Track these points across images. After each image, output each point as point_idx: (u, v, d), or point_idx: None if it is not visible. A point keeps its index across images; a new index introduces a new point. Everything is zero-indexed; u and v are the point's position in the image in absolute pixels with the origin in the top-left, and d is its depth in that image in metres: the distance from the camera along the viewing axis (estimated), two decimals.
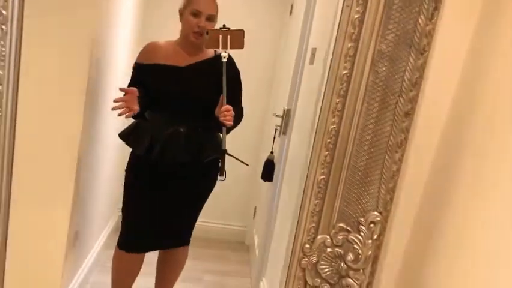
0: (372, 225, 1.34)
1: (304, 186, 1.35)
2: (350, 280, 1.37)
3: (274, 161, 2.55)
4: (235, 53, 1.99)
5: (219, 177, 1.98)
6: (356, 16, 1.23)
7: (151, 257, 2.23)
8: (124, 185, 2.11)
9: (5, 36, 1.24)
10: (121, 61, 2.78)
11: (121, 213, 2.16)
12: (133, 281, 2.18)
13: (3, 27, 1.23)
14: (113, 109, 1.82)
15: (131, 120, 2.08)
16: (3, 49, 1.25)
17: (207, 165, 2.05)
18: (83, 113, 1.47)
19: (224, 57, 1.88)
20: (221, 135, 1.94)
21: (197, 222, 2.25)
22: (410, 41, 1.24)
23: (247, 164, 1.99)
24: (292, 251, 1.38)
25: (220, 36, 1.88)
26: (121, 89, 1.88)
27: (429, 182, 1.33)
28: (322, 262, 1.37)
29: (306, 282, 1.39)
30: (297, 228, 1.36)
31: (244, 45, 1.91)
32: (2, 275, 1.43)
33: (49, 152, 1.44)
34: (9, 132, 1.33)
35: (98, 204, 2.75)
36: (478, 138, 1.16)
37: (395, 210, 1.35)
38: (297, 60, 2.47)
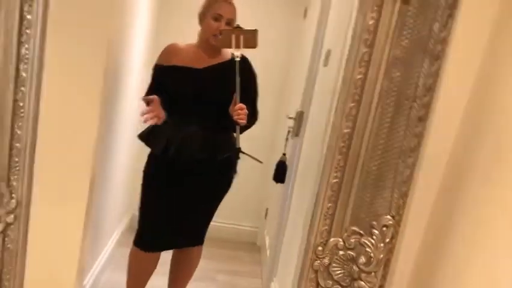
0: (384, 228, 1.35)
1: (318, 189, 1.37)
2: (362, 283, 1.38)
3: (287, 162, 2.56)
4: (249, 55, 2.02)
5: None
6: (370, 22, 1.24)
7: (165, 257, 2.26)
8: (142, 185, 2.15)
9: (29, 40, 1.28)
10: (137, 62, 2.82)
11: (135, 212, 2.20)
12: (148, 279, 2.22)
13: (28, 31, 1.27)
14: (145, 122, 1.89)
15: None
16: (27, 52, 1.29)
17: (223, 165, 2.09)
18: (99, 114, 1.50)
19: (237, 57, 1.91)
20: (235, 134, 1.97)
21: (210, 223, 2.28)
22: (425, 47, 1.24)
23: (261, 162, 2.02)
24: (305, 253, 1.40)
25: (234, 35, 1.91)
26: (144, 99, 1.93)
27: (442, 187, 1.34)
28: (334, 264, 1.39)
29: (318, 284, 1.41)
30: (309, 231, 1.38)
31: (258, 47, 1.94)
32: (23, 269, 1.47)
33: (67, 151, 1.48)
34: (31, 132, 1.37)
35: (112, 202, 2.79)
36: (492, 144, 1.16)
37: (407, 214, 1.36)
38: (311, 62, 2.49)
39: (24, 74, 1.31)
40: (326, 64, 2.18)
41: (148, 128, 2.13)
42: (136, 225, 2.19)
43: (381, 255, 1.36)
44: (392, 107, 1.29)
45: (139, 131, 2.17)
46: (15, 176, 1.40)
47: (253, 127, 2.13)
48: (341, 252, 1.38)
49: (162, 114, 1.95)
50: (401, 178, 1.32)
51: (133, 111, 2.88)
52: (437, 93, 1.28)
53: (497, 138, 1.15)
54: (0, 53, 1.30)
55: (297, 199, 2.38)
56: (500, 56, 1.21)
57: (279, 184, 2.71)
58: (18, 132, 1.36)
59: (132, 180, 3.24)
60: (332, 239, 1.38)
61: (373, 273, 1.37)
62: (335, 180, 1.34)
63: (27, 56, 1.30)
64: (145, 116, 1.89)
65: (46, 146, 1.43)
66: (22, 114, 1.35)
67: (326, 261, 1.39)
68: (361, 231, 1.36)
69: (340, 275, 1.39)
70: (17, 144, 1.37)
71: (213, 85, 2.05)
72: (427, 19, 1.23)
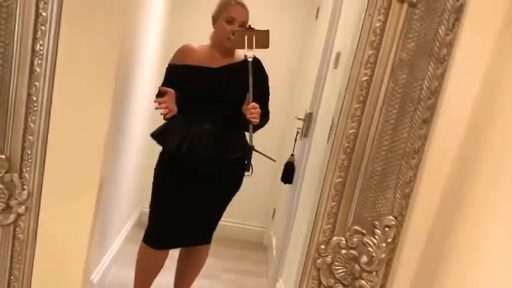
0: (387, 228, 1.36)
1: (322, 188, 1.39)
2: (363, 282, 1.40)
3: (295, 163, 2.58)
4: (260, 55, 2.05)
5: (246, 173, 2.03)
6: (377, 25, 1.26)
7: (171, 252, 2.29)
8: (153, 184, 2.18)
9: (44, 36, 1.32)
10: (149, 61, 2.86)
11: (143, 209, 2.22)
12: (156, 276, 2.25)
13: (43, 27, 1.32)
14: (156, 108, 1.92)
15: (156, 119, 2.15)
16: (42, 48, 1.33)
17: (234, 165, 2.11)
18: (110, 110, 1.53)
19: (250, 57, 1.93)
20: (247, 134, 1.99)
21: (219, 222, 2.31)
22: (430, 50, 1.26)
23: (274, 160, 2.04)
24: (307, 251, 1.42)
25: (246, 36, 1.93)
26: (160, 89, 1.96)
27: (445, 189, 1.35)
28: (336, 263, 1.41)
29: (320, 282, 1.43)
30: (313, 229, 1.40)
31: (269, 47, 1.96)
32: (32, 259, 1.51)
33: (78, 146, 1.51)
34: (44, 126, 1.41)
35: (122, 198, 2.83)
36: (496, 147, 1.17)
37: (410, 215, 1.37)
38: (321, 64, 2.50)
39: (38, 70, 1.35)
40: (336, 66, 2.20)
41: (160, 126, 2.16)
42: (144, 222, 2.20)
43: (383, 255, 1.37)
44: (397, 108, 1.31)
45: (150, 129, 2.20)
46: (28, 168, 1.44)
47: (263, 127, 2.15)
48: (343, 251, 1.40)
49: (173, 109, 1.97)
50: (404, 179, 1.34)
51: (144, 109, 2.92)
52: (442, 96, 1.29)
53: (501, 141, 1.16)
54: (16, 48, 1.34)
55: (304, 200, 2.39)
56: (506, 59, 1.22)
57: (287, 185, 2.72)
58: (32, 125, 1.40)
59: (142, 177, 3.28)
60: (334, 238, 1.40)
61: (374, 273, 1.39)
62: (338, 180, 1.36)
63: (41, 52, 1.34)
64: (156, 105, 1.93)
65: (58, 140, 1.47)
66: (36, 108, 1.39)
67: (328, 259, 1.41)
68: (363, 231, 1.38)
69: (342, 274, 1.41)
70: (30, 137, 1.41)
71: (227, 84, 2.08)
72: (433, 22, 1.25)
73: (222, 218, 2.29)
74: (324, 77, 2.41)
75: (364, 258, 1.38)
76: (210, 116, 2.06)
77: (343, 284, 1.41)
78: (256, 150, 1.96)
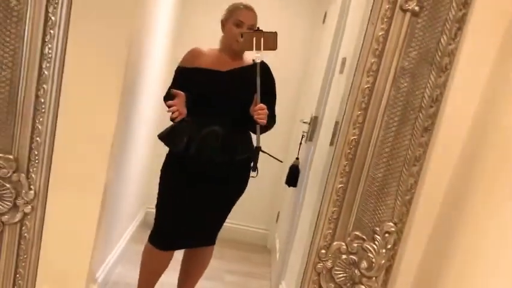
0: (387, 235, 1.37)
1: (323, 193, 1.40)
2: (363, 287, 1.41)
3: (299, 167, 2.59)
4: (266, 59, 2.07)
5: (251, 174, 2.05)
6: (380, 33, 1.27)
7: (175, 252, 2.31)
8: (159, 184, 2.20)
9: (53, 39, 1.35)
10: (157, 63, 2.89)
11: (149, 209, 2.24)
12: (160, 276, 2.26)
13: (52, 31, 1.35)
14: (168, 111, 1.95)
15: (163, 120, 2.17)
16: (50, 51, 1.36)
17: (241, 166, 2.13)
18: (117, 112, 1.56)
19: (258, 59, 1.96)
20: (254, 136, 2.01)
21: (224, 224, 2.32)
22: (432, 59, 1.27)
23: (280, 161, 2.07)
24: (308, 255, 1.43)
25: (254, 38, 1.96)
26: (173, 92, 1.99)
27: (445, 196, 1.36)
28: (336, 268, 1.42)
29: (320, 286, 1.44)
30: (314, 233, 1.42)
31: (276, 51, 1.98)
32: (37, 258, 1.54)
33: (84, 147, 1.54)
34: (51, 127, 1.44)
35: (127, 198, 2.85)
36: (498, 156, 1.18)
37: (410, 222, 1.38)
38: (327, 68, 2.51)
39: (46, 72, 1.38)
40: (342, 71, 2.21)
41: (167, 128, 2.19)
42: (149, 222, 2.22)
43: (383, 261, 1.38)
44: (399, 116, 1.32)
45: (156, 129, 2.23)
46: (35, 169, 1.47)
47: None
48: (344, 256, 1.41)
49: (183, 111, 2.00)
50: (405, 186, 1.35)
51: (151, 111, 2.95)
52: (444, 105, 1.30)
53: (502, 150, 1.16)
54: (26, 51, 1.37)
55: (308, 203, 2.40)
56: (507, 69, 1.22)
57: (291, 188, 2.73)
58: (39, 127, 1.43)
59: (147, 177, 3.31)
60: (335, 243, 1.41)
61: (374, 278, 1.40)
62: (340, 185, 1.38)
63: (50, 55, 1.37)
64: (171, 107, 1.96)
65: (65, 142, 1.49)
66: (43, 110, 1.42)
67: (329, 264, 1.42)
68: (364, 237, 1.39)
69: (342, 279, 1.42)
70: (37, 138, 1.44)
71: (235, 88, 2.10)
72: (436, 32, 1.26)
73: (226, 220, 2.31)
74: (330, 82, 2.42)
75: (364, 264, 1.39)
76: (218, 119, 2.09)
77: None
78: (263, 151, 1.98)
